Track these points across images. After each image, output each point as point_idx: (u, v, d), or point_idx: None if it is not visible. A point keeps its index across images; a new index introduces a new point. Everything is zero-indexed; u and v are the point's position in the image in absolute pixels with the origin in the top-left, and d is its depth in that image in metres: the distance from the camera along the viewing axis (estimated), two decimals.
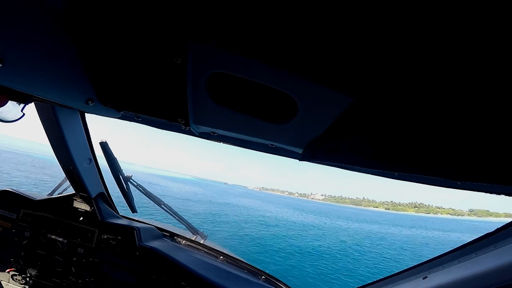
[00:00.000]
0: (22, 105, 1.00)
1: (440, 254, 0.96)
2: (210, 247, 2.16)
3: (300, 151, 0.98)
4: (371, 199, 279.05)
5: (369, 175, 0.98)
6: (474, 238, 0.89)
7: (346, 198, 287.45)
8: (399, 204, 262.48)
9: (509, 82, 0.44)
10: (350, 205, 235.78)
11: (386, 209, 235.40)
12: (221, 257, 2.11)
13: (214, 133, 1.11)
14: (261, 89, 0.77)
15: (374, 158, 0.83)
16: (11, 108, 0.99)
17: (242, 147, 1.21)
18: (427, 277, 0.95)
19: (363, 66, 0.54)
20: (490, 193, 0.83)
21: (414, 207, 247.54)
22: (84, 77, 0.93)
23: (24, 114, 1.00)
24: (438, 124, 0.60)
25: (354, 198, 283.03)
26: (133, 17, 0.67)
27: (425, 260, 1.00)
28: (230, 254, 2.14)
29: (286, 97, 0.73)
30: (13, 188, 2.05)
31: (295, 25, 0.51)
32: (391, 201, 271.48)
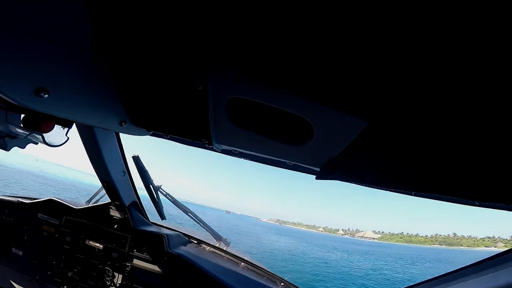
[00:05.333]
0: (66, 129, 1.13)
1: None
2: (232, 254, 2.24)
3: (317, 169, 1.00)
4: (467, 235, 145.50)
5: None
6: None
7: (416, 235, 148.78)
8: None
9: None
10: (438, 246, 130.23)
11: None
12: (242, 264, 2.18)
13: (235, 150, 1.18)
14: (278, 112, 0.81)
15: (390, 178, 0.84)
16: (58, 132, 1.12)
17: (262, 163, 1.26)
18: None
19: (378, 92, 0.56)
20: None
21: None
22: (118, 103, 1.04)
23: (68, 138, 1.12)
24: (453, 147, 0.60)
25: (431, 236, 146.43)
26: (160, 49, 0.74)
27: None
28: (251, 261, 2.20)
29: (302, 120, 0.76)
30: (57, 197, 2.29)
31: (311, 55, 0.53)
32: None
